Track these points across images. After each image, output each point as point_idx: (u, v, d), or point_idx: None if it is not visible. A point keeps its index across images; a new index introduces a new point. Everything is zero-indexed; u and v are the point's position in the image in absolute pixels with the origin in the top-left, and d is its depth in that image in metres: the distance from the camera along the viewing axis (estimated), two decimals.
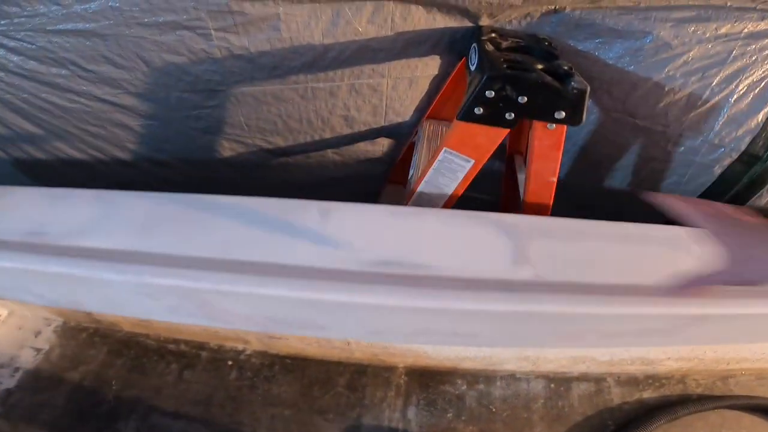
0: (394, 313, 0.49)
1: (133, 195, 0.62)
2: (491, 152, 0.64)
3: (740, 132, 0.77)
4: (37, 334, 1.09)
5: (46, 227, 0.58)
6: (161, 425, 0.92)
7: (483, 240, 0.55)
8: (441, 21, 0.79)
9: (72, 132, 1.00)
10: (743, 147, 0.78)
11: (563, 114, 0.57)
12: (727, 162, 0.79)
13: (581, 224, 0.58)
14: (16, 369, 1.02)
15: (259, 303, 0.49)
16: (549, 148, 0.62)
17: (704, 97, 0.76)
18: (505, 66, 0.58)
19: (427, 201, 0.73)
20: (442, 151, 0.65)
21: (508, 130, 0.61)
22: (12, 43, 0.81)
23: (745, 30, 0.72)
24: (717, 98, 0.76)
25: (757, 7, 0.70)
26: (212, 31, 0.76)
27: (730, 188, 0.80)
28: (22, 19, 0.77)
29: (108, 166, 1.08)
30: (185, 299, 0.51)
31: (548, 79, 0.56)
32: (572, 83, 0.56)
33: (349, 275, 0.49)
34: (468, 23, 0.79)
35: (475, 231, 0.57)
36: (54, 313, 1.04)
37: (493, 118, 0.60)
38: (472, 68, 0.66)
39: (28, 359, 1.03)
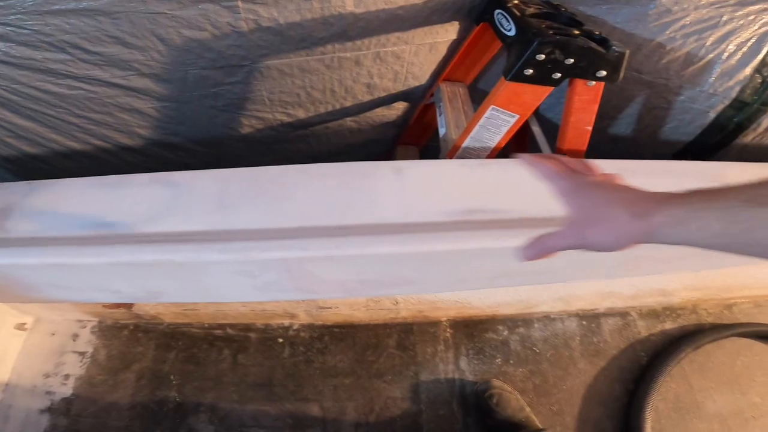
0: (482, 257, 0.53)
1: (195, 174, 0.61)
2: (535, 108, 0.69)
3: (731, 83, 0.88)
4: (75, 337, 1.05)
5: (112, 217, 0.56)
6: (231, 414, 0.96)
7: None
8: None
9: (71, 121, 0.92)
10: (734, 95, 0.89)
11: (604, 73, 0.63)
12: (720, 107, 0.91)
13: (632, 163, 0.65)
14: (66, 376, 1.00)
15: (360, 265, 0.52)
16: (588, 102, 0.68)
17: (700, 54, 0.86)
18: (551, 32, 0.61)
19: (473, 154, 0.77)
20: (489, 108, 0.69)
21: (552, 88, 0.66)
22: None
23: None
24: (711, 55, 0.86)
25: None
26: (239, 3, 0.72)
27: (722, 129, 0.92)
28: (10, 1, 0.69)
29: (112, 155, 1.02)
30: (285, 272, 0.53)
31: (593, 44, 0.61)
32: (613, 47, 0.62)
33: (439, 226, 0.53)
34: None
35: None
36: (87, 313, 1.00)
37: (541, 78, 0.64)
38: (509, 33, 0.69)
39: (74, 364, 1.01)
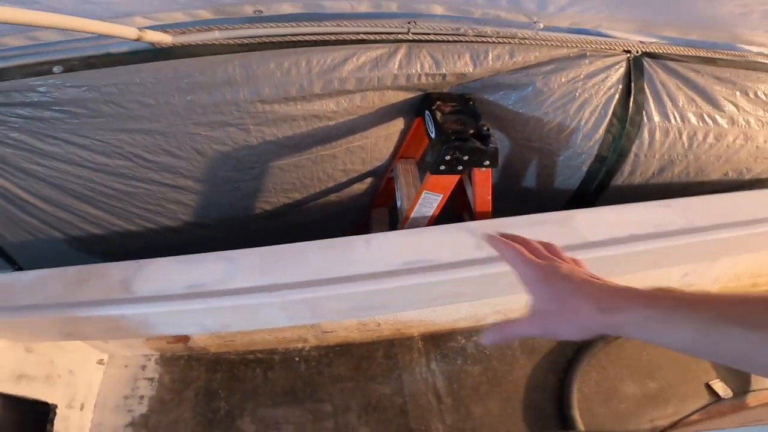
0: (420, 288, 0.89)
1: (243, 251, 0.95)
2: (452, 187, 1.07)
3: (591, 142, 1.22)
4: (143, 367, 1.35)
5: (199, 280, 0.90)
6: (267, 416, 1.25)
7: (458, 238, 0.97)
8: (404, 95, 1.16)
9: (132, 211, 1.27)
10: (595, 152, 1.23)
11: (487, 162, 1.01)
12: (588, 162, 1.25)
13: (506, 220, 1.02)
14: (141, 397, 1.29)
15: (350, 298, 0.87)
16: (484, 181, 1.05)
17: (567, 123, 1.19)
18: (453, 138, 0.99)
19: (417, 223, 1.14)
20: (423, 193, 1.07)
21: (459, 176, 1.04)
22: (82, 141, 1.04)
23: (582, 73, 1.14)
24: (574, 123, 1.19)
25: (586, 54, 1.12)
26: (251, 126, 1.08)
27: (594, 179, 1.27)
28: (90, 120, 0.99)
29: (159, 234, 1.36)
30: (305, 306, 0.87)
31: (478, 144, 0.99)
32: (490, 145, 1.00)
33: (394, 272, 0.89)
34: (420, 93, 1.17)
35: (453, 234, 0.99)
36: (152, 349, 1.31)
37: (450, 170, 1.01)
38: (432, 136, 1.07)
39: (146, 387, 1.30)
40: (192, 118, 1.02)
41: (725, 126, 1.24)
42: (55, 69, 0.87)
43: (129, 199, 1.22)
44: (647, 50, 1.17)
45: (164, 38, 0.88)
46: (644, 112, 1.16)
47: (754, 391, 1.24)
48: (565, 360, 1.32)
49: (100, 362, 1.32)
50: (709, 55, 1.17)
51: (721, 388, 1.24)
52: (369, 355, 1.37)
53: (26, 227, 1.29)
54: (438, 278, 0.88)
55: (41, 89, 0.90)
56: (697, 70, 1.17)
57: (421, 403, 1.24)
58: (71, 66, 0.88)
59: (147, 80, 0.92)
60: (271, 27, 0.96)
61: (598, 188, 1.33)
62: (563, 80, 1.15)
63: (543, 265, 0.41)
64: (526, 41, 1.09)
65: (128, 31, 0.76)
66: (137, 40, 0.79)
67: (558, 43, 1.12)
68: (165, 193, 1.22)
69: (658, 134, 1.19)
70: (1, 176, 1.13)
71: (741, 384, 1.26)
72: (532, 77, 1.14)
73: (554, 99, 1.17)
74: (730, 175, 1.39)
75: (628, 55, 1.16)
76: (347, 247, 0.94)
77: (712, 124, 1.21)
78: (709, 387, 1.25)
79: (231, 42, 0.95)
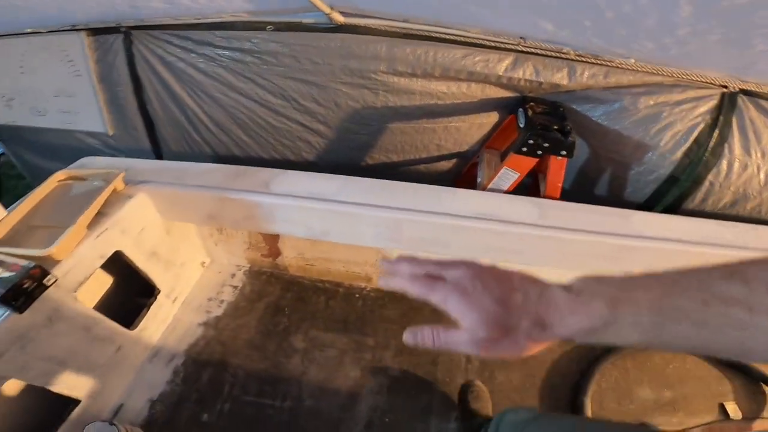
0: (485, 234, 1.10)
1: (354, 178, 1.24)
2: (528, 170, 1.27)
3: (666, 163, 1.33)
4: (233, 275, 1.67)
5: (319, 190, 1.20)
6: (317, 337, 1.48)
7: (524, 206, 1.16)
8: (503, 93, 1.39)
9: (270, 142, 1.63)
10: (669, 172, 1.34)
11: (564, 153, 1.20)
12: (660, 181, 1.36)
13: (569, 204, 1.19)
14: (222, 301, 1.57)
15: (424, 227, 1.11)
16: (558, 168, 1.24)
17: (646, 140, 1.32)
18: (539, 128, 1.20)
19: None
20: (503, 168, 1.28)
21: (537, 159, 1.24)
22: (261, 81, 1.41)
23: (672, 100, 1.27)
24: (653, 141, 1.31)
25: (681, 84, 1.25)
26: (380, 92, 1.38)
27: (662, 197, 1.37)
28: (274, 68, 1.36)
29: (280, 165, 1.70)
30: (387, 226, 1.13)
31: (558, 135, 1.19)
32: (569, 138, 1.19)
33: (465, 216, 1.11)
34: (518, 95, 1.40)
35: (521, 202, 1.18)
36: (246, 260, 1.64)
37: (531, 153, 1.22)
38: (521, 125, 1.29)
39: (229, 293, 1.60)
40: (341, 78, 1.35)
41: None
42: (268, 27, 1.26)
43: (273, 131, 1.58)
44: (745, 88, 1.25)
45: (339, 18, 1.23)
46: (726, 144, 1.25)
47: (763, 418, 1.23)
48: (592, 354, 1.38)
49: (203, 264, 1.64)
50: None
51: (733, 409, 1.24)
52: (419, 307, 1.53)
53: (191, 143, 1.72)
54: (500, 229, 1.08)
55: (254, 40, 1.30)
56: None
57: (453, 358, 1.39)
58: (278, 27, 1.27)
59: (321, 45, 1.28)
60: (415, 23, 1.27)
61: (667, 210, 1.40)
62: (651, 102, 1.28)
63: (459, 282, 0.38)
64: (623, 66, 1.25)
65: (324, 6, 1.11)
66: (328, 14, 1.13)
67: (654, 71, 1.25)
68: (300, 132, 1.56)
69: (736, 167, 1.27)
70: (193, 100, 1.56)
71: (754, 409, 1.26)
72: (621, 95, 1.30)
73: (638, 118, 1.30)
74: None
75: (724, 90, 1.25)
76: (435, 192, 1.19)
77: None
78: (722, 407, 1.26)
79: (384, 28, 1.27)
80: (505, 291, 0.37)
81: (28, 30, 1.50)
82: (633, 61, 1.22)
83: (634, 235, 1.08)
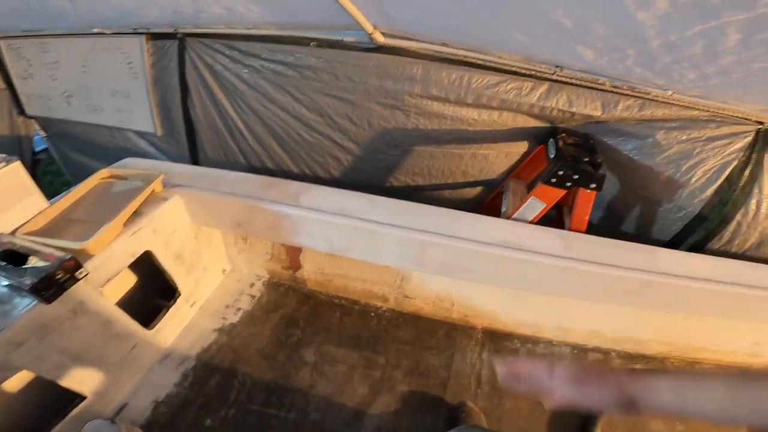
0: (507, 263, 1.10)
1: (381, 198, 1.26)
2: (555, 201, 1.26)
3: (696, 201, 1.31)
4: (252, 285, 1.68)
5: (346, 206, 1.23)
6: (329, 352, 1.47)
7: (549, 237, 1.16)
8: (534, 122, 1.41)
9: (301, 156, 1.67)
10: (698, 210, 1.32)
11: (594, 185, 1.19)
12: (688, 219, 1.34)
13: (595, 238, 1.17)
14: (238, 309, 1.59)
15: (448, 251, 1.12)
16: (586, 201, 1.24)
17: (676, 177, 1.30)
18: (569, 159, 1.21)
19: None
20: (530, 198, 1.28)
21: (565, 191, 1.24)
22: (299, 95, 1.47)
23: (706, 135, 1.26)
24: (684, 178, 1.30)
25: (716, 119, 1.23)
26: (412, 113, 1.41)
27: (689, 235, 1.35)
28: (312, 83, 1.41)
29: (308, 180, 1.75)
30: (413, 247, 1.14)
31: (589, 168, 1.19)
32: (600, 171, 1.18)
33: (489, 243, 1.11)
34: (549, 125, 1.41)
35: (546, 233, 1.18)
36: (265, 270, 1.67)
37: (560, 184, 1.22)
38: (551, 156, 1.30)
39: (246, 302, 1.61)
40: (376, 98, 1.40)
41: None
42: (312, 44, 1.32)
43: (305, 145, 1.63)
44: None
45: (380, 38, 1.28)
46: (756, 183, 1.23)
47: None
48: None
49: (224, 271, 1.67)
50: None
51: None
52: (433, 329, 1.54)
53: (227, 151, 1.79)
54: (523, 257, 1.08)
55: (297, 54, 1.36)
56: None
57: (462, 382, 1.37)
58: (320, 43, 1.33)
59: (359, 63, 1.33)
60: (451, 48, 1.30)
61: (693, 248, 1.38)
62: (684, 138, 1.27)
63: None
64: (659, 99, 1.25)
65: (368, 26, 1.16)
66: (371, 34, 1.18)
67: (689, 105, 1.25)
68: (331, 149, 1.61)
69: (764, 207, 1.24)
70: (234, 108, 1.63)
71: None
72: (654, 130, 1.30)
73: (670, 153, 1.30)
74: None
75: (760, 126, 1.23)
76: (459, 218, 1.20)
77: None
78: None
79: (421, 51, 1.31)
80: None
81: (95, 30, 1.59)
82: (670, 93, 1.21)
83: (659, 272, 1.06)
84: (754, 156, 1.23)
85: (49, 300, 0.90)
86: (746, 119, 1.24)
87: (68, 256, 0.93)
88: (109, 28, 1.58)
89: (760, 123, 1.24)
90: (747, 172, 1.23)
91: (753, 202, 1.26)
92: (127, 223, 1.15)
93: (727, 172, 1.27)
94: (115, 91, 1.72)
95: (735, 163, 1.26)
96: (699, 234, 1.34)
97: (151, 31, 1.54)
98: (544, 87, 1.31)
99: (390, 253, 1.19)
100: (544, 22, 0.95)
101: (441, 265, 1.18)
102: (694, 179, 1.30)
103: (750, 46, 0.81)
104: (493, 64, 1.31)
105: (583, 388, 0.46)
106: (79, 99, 1.80)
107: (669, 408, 0.38)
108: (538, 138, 1.47)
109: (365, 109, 1.42)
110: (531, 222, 1.34)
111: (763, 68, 0.89)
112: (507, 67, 1.31)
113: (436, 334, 1.54)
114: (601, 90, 1.28)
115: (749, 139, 1.24)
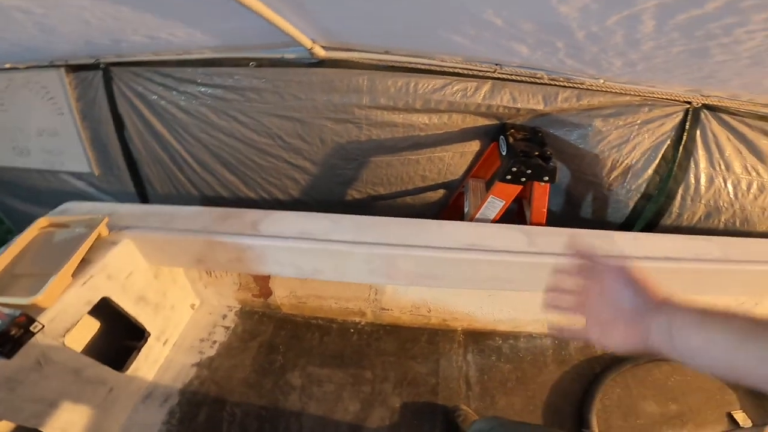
0: (477, 265, 1.11)
1: (343, 216, 1.24)
2: (513, 197, 1.29)
3: (640, 181, 1.39)
4: (224, 317, 1.64)
5: (309, 230, 1.20)
6: (314, 373, 1.45)
7: (512, 234, 1.19)
8: (483, 121, 1.44)
9: (257, 180, 1.62)
10: (643, 190, 1.39)
11: (547, 178, 1.23)
12: (636, 198, 1.41)
13: (553, 229, 1.21)
14: (214, 342, 1.54)
15: (418, 261, 1.11)
16: (542, 193, 1.28)
17: (619, 161, 1.38)
18: (521, 154, 1.24)
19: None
20: (490, 197, 1.30)
21: (521, 186, 1.27)
22: (244, 119, 1.41)
23: (640, 119, 1.33)
24: (626, 161, 1.38)
25: (647, 103, 1.31)
26: (364, 125, 1.40)
27: (638, 216, 1.42)
28: (257, 104, 1.36)
29: (267, 203, 1.71)
30: (382, 262, 1.13)
31: (540, 161, 1.23)
32: (550, 163, 1.22)
33: (456, 248, 1.12)
34: (497, 122, 1.44)
35: (509, 231, 1.20)
36: (236, 300, 1.61)
37: (515, 180, 1.25)
38: (504, 153, 1.33)
39: (221, 334, 1.56)
40: (325, 113, 1.37)
41: None
42: (251, 64, 1.27)
43: (259, 170, 1.58)
44: (707, 103, 1.32)
45: (320, 52, 1.26)
46: (692, 158, 1.32)
47: None
48: (592, 374, 1.40)
49: (192, 306, 1.60)
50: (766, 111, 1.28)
51: (742, 418, 1.26)
52: (414, 338, 1.55)
53: (176, 183, 1.70)
54: (491, 258, 1.10)
55: (236, 77, 1.31)
56: (749, 124, 1.31)
57: (452, 386, 1.38)
58: (260, 63, 1.28)
59: (303, 80, 1.30)
60: (395, 55, 1.30)
61: (647, 227, 1.45)
62: (621, 123, 1.34)
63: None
64: (593, 88, 1.31)
65: (306, 41, 1.14)
66: (310, 49, 1.16)
67: (622, 91, 1.32)
68: (286, 170, 1.57)
69: (703, 179, 1.33)
70: (177, 140, 1.55)
71: (762, 415, 1.28)
72: (593, 118, 1.37)
73: (611, 139, 1.37)
74: None
75: (688, 106, 1.32)
76: (423, 226, 1.20)
77: (755, 175, 1.33)
78: (730, 416, 1.28)
79: (365, 61, 1.30)
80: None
81: (7, 65, 1.47)
82: (602, 81, 1.28)
83: (618, 255, 1.11)
84: (686, 133, 1.32)
85: (8, 356, 0.91)
86: (675, 100, 1.33)
87: (17, 313, 0.92)
88: (23, 63, 1.46)
89: (688, 102, 1.32)
90: (681, 149, 1.32)
91: (692, 176, 1.35)
92: (76, 273, 1.08)
93: (662, 151, 1.35)
94: (41, 129, 1.58)
95: (668, 141, 1.34)
96: (649, 212, 1.41)
97: (70, 63, 1.43)
98: (487, 86, 1.34)
99: (359, 270, 1.18)
100: (477, 23, 0.97)
101: (412, 275, 1.17)
102: (634, 161, 1.37)
103: (665, 32, 0.86)
104: (437, 68, 1.33)
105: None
106: (1, 142, 1.65)
107: (673, 347, 0.38)
108: (489, 135, 1.50)
109: (316, 126, 1.40)
110: (493, 220, 1.37)
111: (681, 51, 0.95)
112: (450, 70, 1.33)
113: (418, 342, 1.54)
114: (540, 84, 1.33)
115: (679, 118, 1.33)
